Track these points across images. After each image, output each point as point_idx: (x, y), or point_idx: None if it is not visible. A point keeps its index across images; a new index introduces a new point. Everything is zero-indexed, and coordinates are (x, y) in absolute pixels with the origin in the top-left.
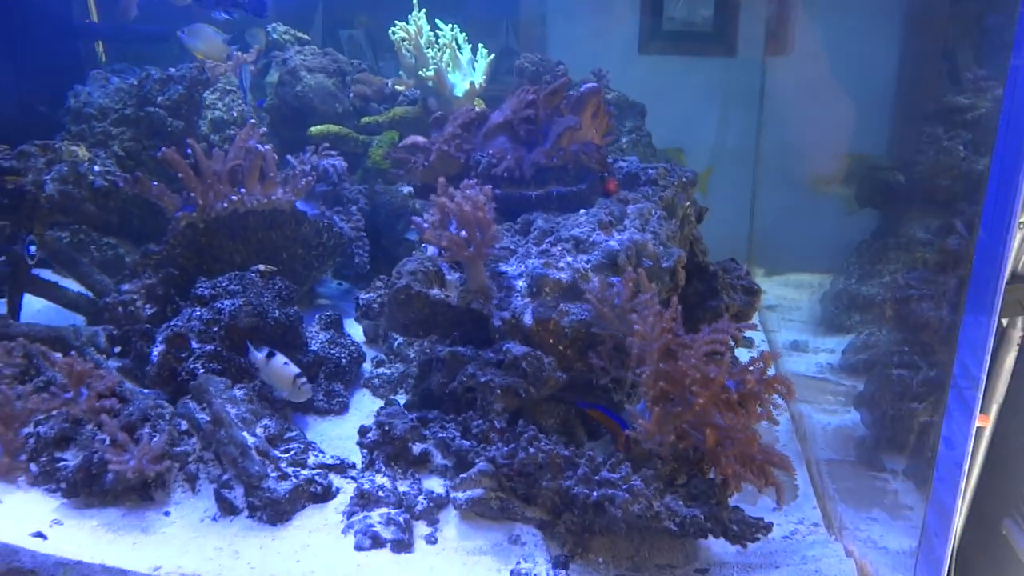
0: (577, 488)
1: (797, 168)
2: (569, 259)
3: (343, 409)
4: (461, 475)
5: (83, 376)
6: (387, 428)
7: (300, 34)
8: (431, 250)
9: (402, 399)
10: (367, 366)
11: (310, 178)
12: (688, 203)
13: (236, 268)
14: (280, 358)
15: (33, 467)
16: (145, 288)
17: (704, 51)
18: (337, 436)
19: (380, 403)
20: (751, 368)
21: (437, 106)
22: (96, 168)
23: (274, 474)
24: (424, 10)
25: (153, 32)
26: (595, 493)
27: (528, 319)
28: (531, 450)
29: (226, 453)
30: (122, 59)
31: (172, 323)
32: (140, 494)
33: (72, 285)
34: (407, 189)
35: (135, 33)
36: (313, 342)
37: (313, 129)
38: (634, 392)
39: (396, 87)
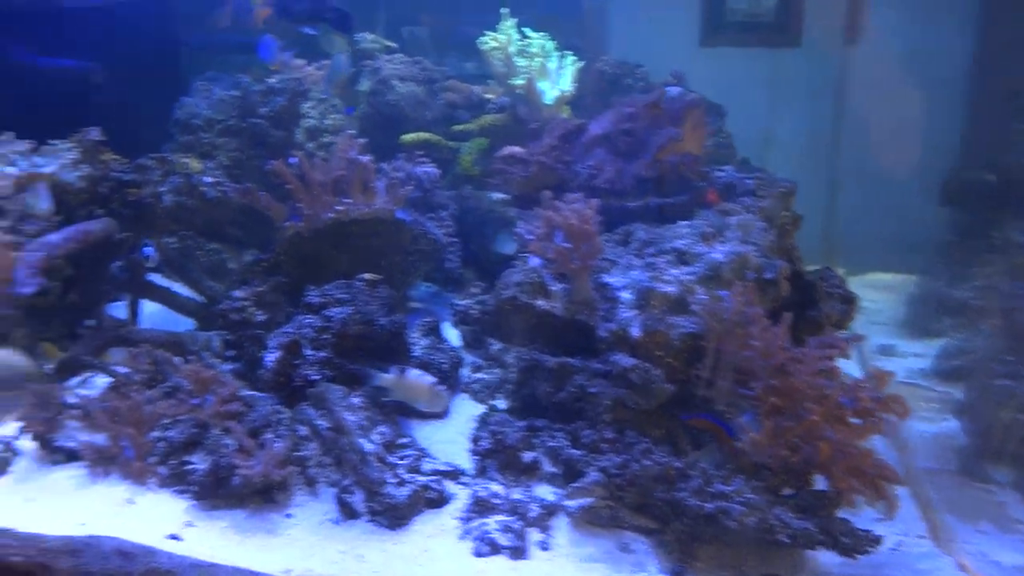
0: (691, 500)
1: (879, 164)
2: (675, 272)
3: (445, 414)
4: (574, 484)
5: (208, 383)
6: (500, 437)
7: (388, 43)
8: (534, 261)
9: (500, 404)
10: (465, 371)
11: (409, 187)
12: (786, 213)
13: (339, 274)
14: (413, 371)
15: (162, 469)
16: (256, 295)
17: (767, 42)
18: (440, 440)
19: (480, 407)
20: (864, 385)
21: (527, 114)
22: (207, 179)
23: (392, 480)
24: (515, 19)
25: (243, 43)
26: (709, 505)
27: (636, 331)
28: (646, 462)
29: (347, 460)
30: (210, 68)
31: (284, 329)
32: (263, 496)
33: (182, 290)
34: (497, 196)
35: (226, 44)
36: (415, 348)
37: (406, 137)
38: (735, 403)
39: (485, 95)
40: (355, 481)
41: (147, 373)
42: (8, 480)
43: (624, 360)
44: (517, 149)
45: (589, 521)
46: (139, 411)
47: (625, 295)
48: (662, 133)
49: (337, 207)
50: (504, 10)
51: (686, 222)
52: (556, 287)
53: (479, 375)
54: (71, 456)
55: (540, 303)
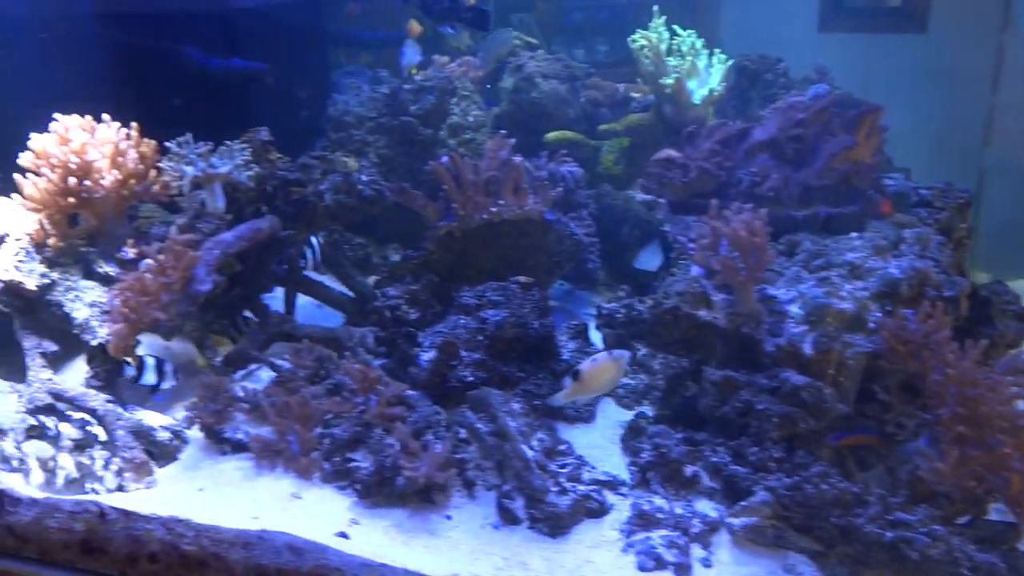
0: (869, 527)
1: None
2: (848, 287)
3: (591, 417)
4: (741, 502)
5: (373, 383)
6: (663, 450)
7: (529, 39)
8: (696, 270)
9: (647, 411)
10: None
11: (559, 189)
12: (963, 226)
13: (486, 274)
14: (586, 362)
15: (327, 465)
16: (409, 293)
17: (892, 27)
18: (587, 444)
19: (625, 413)
20: None
21: (673, 113)
22: (364, 178)
23: (554, 488)
24: (664, 17)
25: (385, 38)
26: (889, 534)
27: (808, 348)
28: (823, 486)
29: (510, 466)
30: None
31: (437, 329)
32: (422, 496)
33: (334, 284)
34: (640, 196)
35: (369, 39)
36: (563, 351)
37: (549, 135)
38: (904, 423)
39: (632, 93)
40: (516, 487)
41: (310, 369)
42: (177, 468)
43: (795, 378)
44: (673, 152)
45: (751, 539)
46: (307, 407)
47: (793, 309)
48: (836, 141)
49: (491, 208)
50: (655, 7)
51: (857, 234)
52: (718, 297)
53: (625, 380)
54: (237, 447)
55: (702, 313)
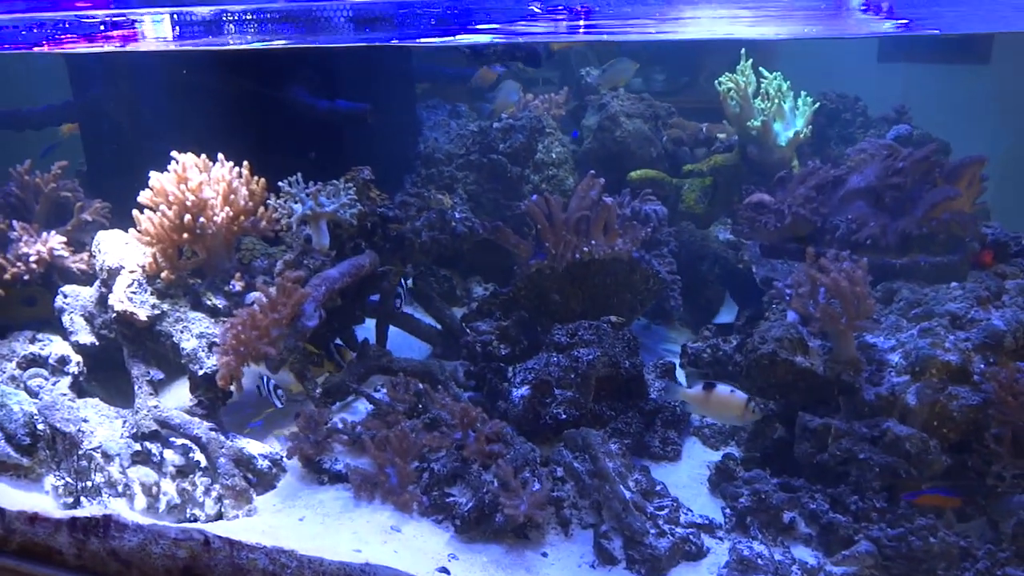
0: None
1: None
2: (952, 338)
3: (676, 456)
4: (843, 552)
5: (473, 420)
6: (763, 496)
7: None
8: (792, 316)
9: (733, 451)
10: (695, 415)
11: (648, 230)
12: None
13: (571, 312)
14: (723, 386)
15: (425, 499)
16: (500, 329)
17: (953, 58)
18: (673, 484)
19: (711, 452)
20: None
21: (757, 155)
22: (457, 215)
23: (653, 530)
24: (751, 60)
25: (458, 74)
26: None
27: (911, 399)
28: (930, 539)
29: (610, 507)
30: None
31: (528, 365)
32: (518, 533)
33: (423, 317)
34: (725, 236)
35: (445, 75)
36: (650, 389)
37: (633, 174)
38: (1004, 475)
39: (718, 135)
40: (614, 527)
41: (408, 403)
42: (275, 496)
43: (898, 428)
44: (766, 196)
45: None
46: (406, 441)
47: (894, 358)
48: (939, 191)
49: (585, 248)
50: (743, 50)
51: (957, 284)
52: (815, 344)
53: (709, 420)
54: (336, 478)
55: (799, 360)
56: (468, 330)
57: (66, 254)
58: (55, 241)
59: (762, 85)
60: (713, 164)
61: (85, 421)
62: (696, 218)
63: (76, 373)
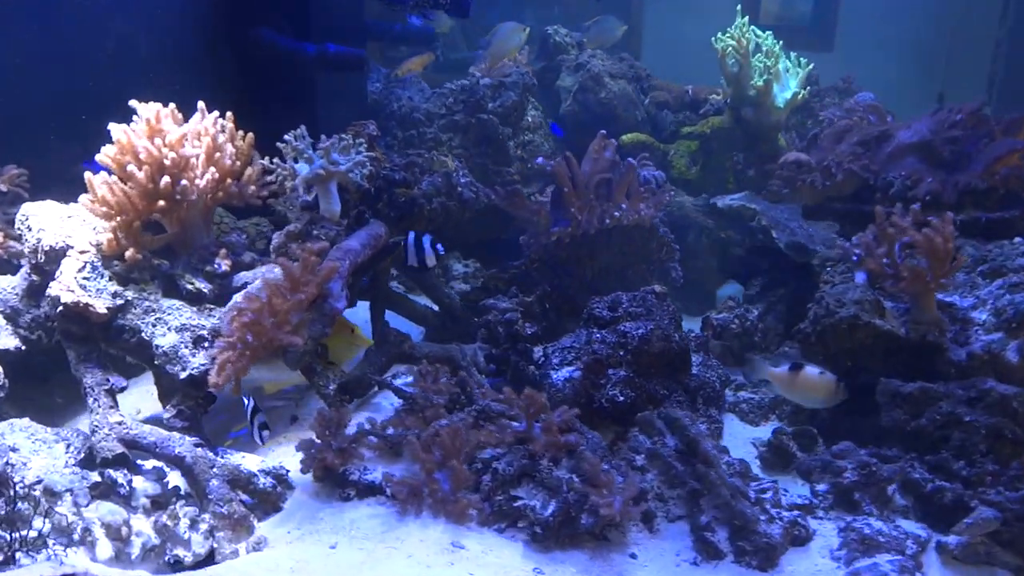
0: None
1: None
2: None
3: (719, 435)
4: (966, 520)
5: (541, 408)
6: (873, 470)
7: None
8: (860, 277)
9: (770, 425)
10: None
11: (671, 194)
12: None
13: (584, 284)
14: (812, 368)
15: (486, 505)
16: (525, 306)
17: (801, 46)
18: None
19: (751, 428)
20: None
21: (753, 117)
22: (463, 179)
23: (762, 516)
24: (747, 16)
25: (422, 31)
26: None
27: (1013, 355)
28: None
29: (717, 494)
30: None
31: (566, 344)
32: (595, 536)
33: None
34: (725, 202)
35: (402, 33)
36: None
37: (625, 137)
38: None
39: (708, 97)
40: (716, 518)
41: (446, 394)
42: (284, 520)
43: (1002, 387)
44: (803, 156)
45: (960, 558)
46: (459, 438)
47: (980, 316)
48: (1001, 144)
49: (615, 212)
50: (738, 7)
51: (1020, 239)
52: (888, 306)
53: (744, 394)
54: (367, 491)
55: (880, 322)
56: (484, 309)
57: None
58: None
59: (761, 44)
60: (712, 126)
61: (14, 450)
62: (688, 184)
63: None
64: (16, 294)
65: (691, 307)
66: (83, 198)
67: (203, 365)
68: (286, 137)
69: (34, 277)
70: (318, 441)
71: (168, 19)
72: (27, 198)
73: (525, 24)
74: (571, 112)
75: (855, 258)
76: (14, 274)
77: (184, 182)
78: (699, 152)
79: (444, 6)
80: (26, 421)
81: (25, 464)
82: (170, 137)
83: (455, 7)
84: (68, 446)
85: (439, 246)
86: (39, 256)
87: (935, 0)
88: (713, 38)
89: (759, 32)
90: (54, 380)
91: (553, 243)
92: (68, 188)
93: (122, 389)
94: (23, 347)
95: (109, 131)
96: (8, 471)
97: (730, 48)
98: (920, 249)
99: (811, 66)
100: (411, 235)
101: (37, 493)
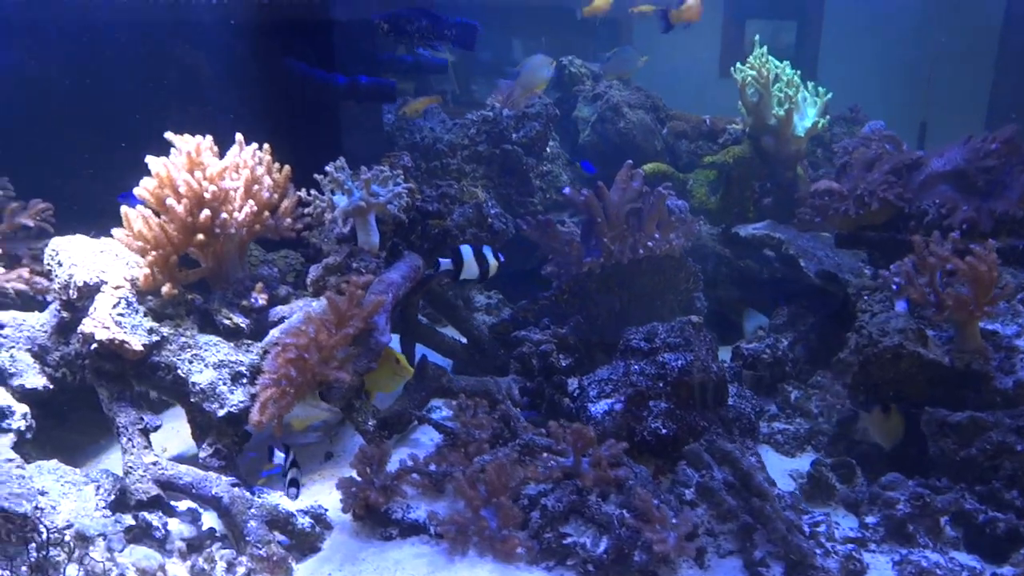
0: None
1: None
2: None
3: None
4: (1022, 551)
5: (590, 443)
6: (927, 501)
7: (593, 67)
8: (901, 306)
9: (806, 457)
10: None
11: (700, 223)
12: None
13: (613, 315)
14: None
15: (535, 543)
16: (558, 338)
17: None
18: None
19: (787, 460)
20: None
21: (773, 146)
22: (493, 210)
23: (818, 551)
24: (765, 46)
25: (432, 63)
26: None
27: None
28: None
29: (773, 528)
30: None
31: (602, 376)
32: (644, 572)
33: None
34: (748, 231)
35: (414, 65)
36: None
37: (646, 167)
38: None
39: (727, 126)
40: (770, 552)
41: (490, 429)
42: (324, 563)
43: None
44: (834, 184)
45: None
46: (505, 474)
47: None
48: None
49: (649, 243)
50: (756, 37)
51: None
52: (930, 334)
53: (779, 425)
54: (411, 530)
55: (924, 352)
56: (517, 341)
57: (0, 269)
58: None
59: (780, 74)
60: (733, 155)
61: (43, 493)
62: (709, 213)
63: (22, 429)
64: (45, 331)
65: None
66: (118, 232)
67: (242, 402)
68: (327, 168)
69: (64, 314)
70: (359, 479)
71: (198, 51)
72: (53, 233)
73: (514, 54)
74: (590, 142)
75: (895, 287)
76: (40, 310)
77: (224, 215)
78: (718, 181)
79: (450, 38)
80: (54, 463)
81: (54, 508)
82: (211, 170)
83: (460, 40)
84: (98, 488)
85: (501, 255)
86: (71, 292)
87: (915, 28)
88: (733, 68)
89: (777, 62)
90: (74, 419)
91: (584, 274)
92: (96, 221)
93: (156, 428)
94: (51, 386)
95: (146, 164)
96: (37, 516)
97: (750, 78)
98: (963, 277)
99: (830, 95)
100: (468, 248)
101: (68, 538)
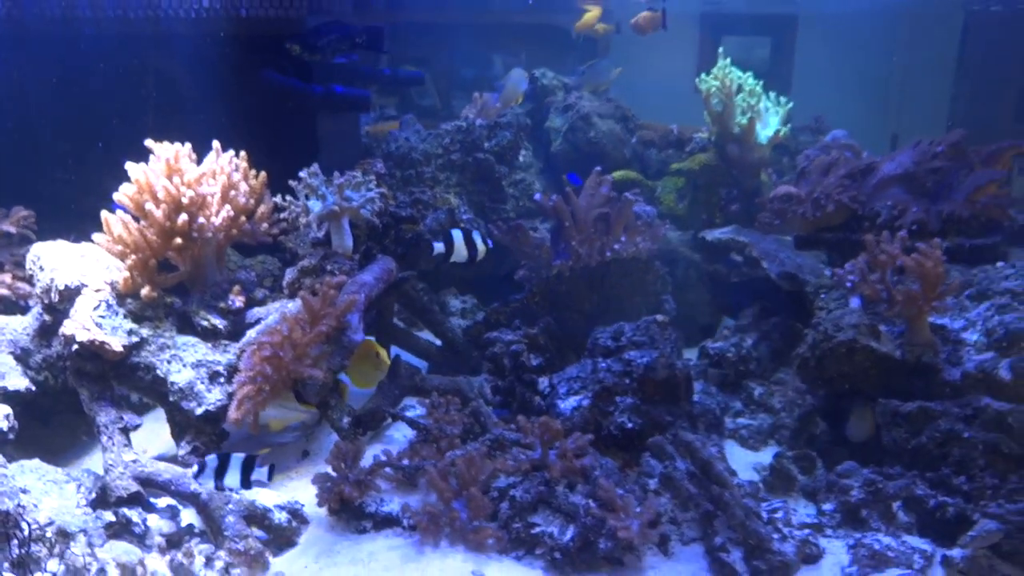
0: None
1: None
2: None
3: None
4: (970, 532)
5: (557, 435)
6: (879, 487)
7: (565, 80)
8: (855, 302)
9: (770, 450)
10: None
11: (667, 227)
12: None
13: (584, 316)
14: None
15: (504, 533)
16: (529, 338)
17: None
18: None
19: (751, 454)
20: None
21: (738, 154)
22: (466, 216)
23: (775, 535)
24: (729, 58)
25: (410, 76)
26: None
27: (1005, 373)
28: None
29: (732, 515)
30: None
31: (571, 374)
32: (610, 559)
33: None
34: (714, 235)
35: (391, 77)
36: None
37: (615, 174)
38: None
39: (693, 135)
40: (731, 538)
41: (459, 424)
42: (301, 556)
43: (996, 404)
44: (793, 189)
45: (965, 571)
46: (475, 467)
47: (971, 336)
48: (981, 174)
49: (616, 246)
50: (720, 49)
51: (1003, 263)
52: (883, 329)
53: (743, 420)
54: (384, 522)
55: (877, 345)
56: (489, 342)
57: None
58: None
59: (743, 84)
60: (700, 163)
61: (25, 492)
62: (677, 219)
63: (4, 430)
64: (27, 334)
65: (681, 338)
66: (98, 236)
67: (219, 401)
68: (301, 174)
69: (46, 317)
70: (334, 474)
71: (177, 60)
72: (35, 239)
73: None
74: (562, 151)
75: (849, 284)
76: (22, 315)
77: (201, 220)
78: (686, 188)
79: (362, 45)
80: (36, 462)
81: (36, 505)
82: (188, 176)
83: (371, 44)
84: (79, 486)
85: (489, 240)
86: (52, 295)
87: (885, 44)
88: (697, 79)
89: (740, 73)
90: (56, 421)
91: (554, 277)
92: (75, 226)
93: (136, 427)
94: (33, 388)
95: (124, 170)
96: (19, 512)
97: (714, 88)
98: (911, 273)
99: (790, 104)
100: (459, 232)
101: (49, 534)
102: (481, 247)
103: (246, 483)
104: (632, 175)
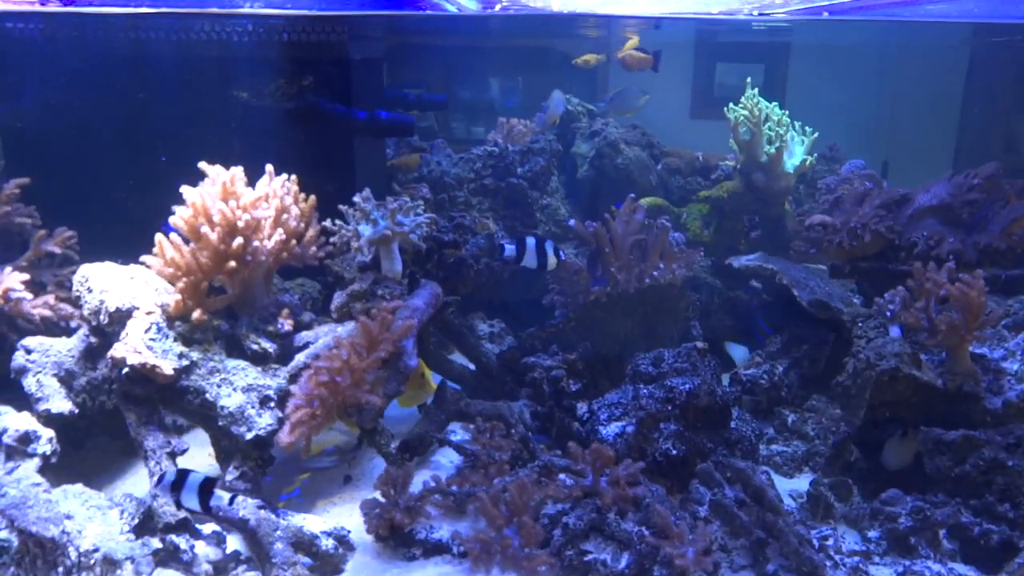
0: None
1: None
2: None
3: None
4: (1017, 560)
5: (608, 462)
6: (927, 515)
7: (589, 106)
8: (896, 331)
9: (804, 477)
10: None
11: (701, 254)
12: None
13: (616, 341)
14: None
15: (557, 561)
16: (568, 364)
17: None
18: None
19: (786, 481)
20: None
21: (764, 182)
22: (504, 241)
23: (828, 563)
24: (756, 88)
25: (435, 100)
26: None
27: None
28: None
29: (786, 542)
30: None
31: (612, 400)
32: None
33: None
34: (741, 263)
35: (416, 101)
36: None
37: (643, 201)
38: None
39: (720, 163)
40: (783, 566)
41: (508, 450)
42: None
43: None
44: (827, 218)
45: None
46: (526, 493)
47: (1012, 366)
48: (1017, 207)
49: (655, 272)
50: (747, 79)
51: None
52: (925, 357)
53: (777, 447)
54: (434, 550)
55: (918, 374)
56: (528, 367)
57: (28, 296)
58: (13, 280)
59: (770, 114)
60: (727, 190)
61: (69, 518)
62: (704, 246)
63: (47, 453)
64: (72, 356)
65: None
66: (150, 259)
67: (270, 426)
68: (355, 199)
69: (93, 339)
70: (383, 500)
71: (228, 86)
72: (78, 260)
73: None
74: (588, 177)
75: (889, 313)
76: (66, 337)
77: (255, 243)
78: (711, 215)
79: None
80: (79, 487)
81: (80, 532)
82: (244, 199)
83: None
84: (122, 512)
85: (562, 252)
86: (102, 317)
87: (877, 71)
88: (726, 108)
89: (767, 103)
90: (89, 445)
91: (591, 302)
92: (120, 249)
93: (183, 452)
94: (76, 411)
95: (179, 192)
96: (66, 540)
97: (743, 117)
98: (955, 302)
99: (816, 134)
100: (533, 239)
101: (95, 562)
102: (552, 258)
103: (204, 506)
104: (660, 202)
